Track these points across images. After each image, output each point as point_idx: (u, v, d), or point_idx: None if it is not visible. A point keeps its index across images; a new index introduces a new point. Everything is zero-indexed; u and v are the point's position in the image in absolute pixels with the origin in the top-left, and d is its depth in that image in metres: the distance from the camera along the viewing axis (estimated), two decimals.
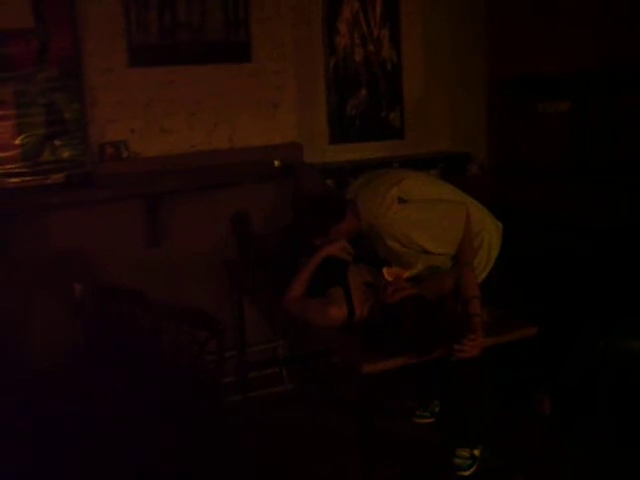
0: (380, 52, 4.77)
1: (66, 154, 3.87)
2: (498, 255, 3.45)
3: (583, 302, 3.84)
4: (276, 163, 4.18)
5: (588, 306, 3.81)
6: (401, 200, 3.27)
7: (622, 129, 4.12)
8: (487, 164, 4.99)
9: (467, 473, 3.40)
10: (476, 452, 3.44)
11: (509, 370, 3.67)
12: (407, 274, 3.18)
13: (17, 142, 3.75)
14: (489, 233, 3.41)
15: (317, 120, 4.62)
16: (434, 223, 3.25)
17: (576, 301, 3.88)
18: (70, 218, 3.88)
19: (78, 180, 3.85)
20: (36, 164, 3.80)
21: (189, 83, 4.16)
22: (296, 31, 4.46)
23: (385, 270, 3.19)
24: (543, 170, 4.58)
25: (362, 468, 3.10)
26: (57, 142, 3.85)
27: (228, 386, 4.06)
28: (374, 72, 4.76)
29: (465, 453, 3.44)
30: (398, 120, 4.86)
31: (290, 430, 3.80)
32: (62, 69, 3.83)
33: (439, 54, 4.93)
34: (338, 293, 3.18)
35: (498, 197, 4.26)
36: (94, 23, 3.91)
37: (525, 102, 4.71)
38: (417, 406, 3.91)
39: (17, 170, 3.76)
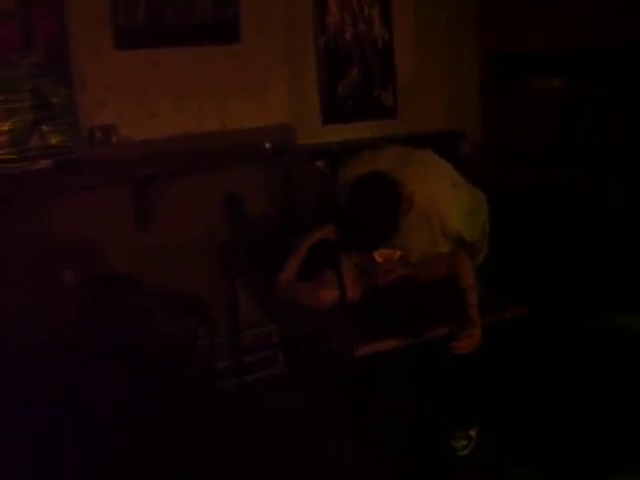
0: (371, 30, 4.71)
1: (54, 140, 3.82)
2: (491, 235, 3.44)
3: (575, 283, 3.82)
4: (267, 145, 4.14)
5: (580, 287, 3.79)
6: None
7: (615, 113, 4.07)
8: (481, 143, 4.95)
9: (463, 453, 3.39)
10: (472, 432, 3.43)
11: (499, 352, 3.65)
12: (398, 255, 3.15)
13: (4, 128, 3.69)
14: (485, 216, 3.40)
15: (309, 101, 4.56)
16: (471, 210, 3.24)
17: (568, 282, 3.86)
18: (60, 204, 3.83)
19: (67, 166, 3.79)
20: (24, 150, 3.74)
21: (177, 65, 4.10)
22: (285, 10, 4.40)
23: (376, 252, 3.17)
24: (537, 151, 4.53)
25: (354, 451, 3.10)
26: (45, 127, 3.80)
27: (223, 370, 4.04)
28: (365, 51, 4.71)
29: (461, 434, 3.43)
30: (391, 99, 4.81)
31: (286, 413, 3.79)
32: (48, 53, 3.76)
33: (431, 31, 4.87)
34: (330, 276, 3.17)
35: (492, 177, 4.22)
36: (79, 5, 3.83)
37: (519, 79, 4.65)
38: None
39: (5, 157, 3.70)
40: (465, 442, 3.39)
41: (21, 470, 2.96)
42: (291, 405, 3.86)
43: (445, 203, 3.22)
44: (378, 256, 3.15)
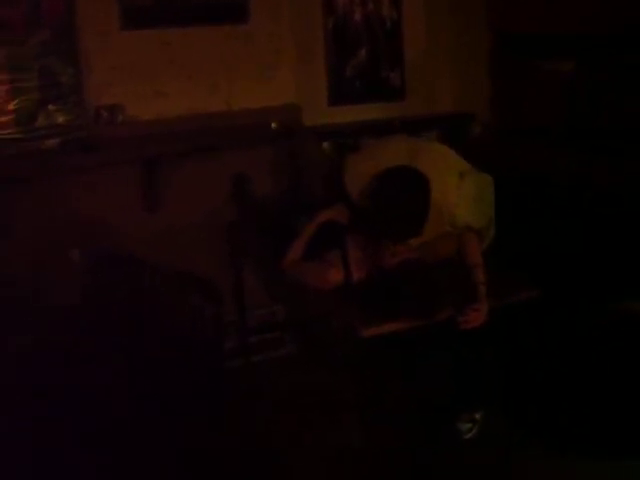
0: (380, 11, 4.67)
1: (61, 119, 3.80)
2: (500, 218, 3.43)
3: (590, 267, 3.80)
4: (273, 125, 4.12)
5: (595, 271, 3.77)
6: None
7: (626, 96, 4.04)
8: (490, 125, 4.92)
9: (468, 436, 3.40)
10: (477, 416, 3.43)
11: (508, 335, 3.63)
12: None
13: (10, 107, 3.68)
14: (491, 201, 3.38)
15: (316, 81, 4.53)
16: (477, 197, 3.24)
17: (582, 265, 3.84)
18: (66, 184, 3.83)
19: (74, 145, 3.78)
20: (31, 130, 3.73)
21: (185, 45, 4.08)
22: None
23: None
24: (546, 132, 4.50)
25: (362, 429, 3.11)
26: (51, 107, 3.78)
27: (229, 351, 4.04)
28: (374, 32, 4.67)
29: (466, 416, 3.43)
30: (399, 80, 4.77)
31: (293, 394, 3.80)
32: (55, 32, 3.75)
33: (441, 12, 4.82)
34: (336, 256, 3.16)
35: (501, 159, 4.19)
36: None
37: (529, 61, 4.62)
38: None
39: (11, 136, 3.69)
40: (470, 425, 3.39)
41: (21, 470, 2.97)
42: (298, 385, 3.87)
43: (453, 195, 3.21)
44: None
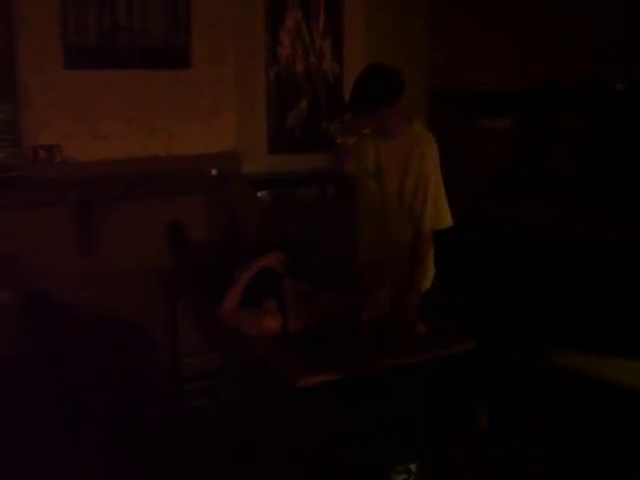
0: (322, 64, 4.75)
1: None
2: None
3: (519, 317, 3.86)
4: (213, 172, 4.13)
5: (524, 321, 3.83)
6: None
7: (557, 147, 4.16)
8: None
9: None
10: (412, 467, 3.42)
11: (446, 384, 3.64)
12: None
13: None
14: None
15: (256, 130, 4.56)
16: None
17: (513, 316, 3.89)
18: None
19: (8, 184, 3.72)
20: None
21: (126, 88, 4.08)
22: (237, 39, 4.41)
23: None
24: (482, 186, 4.59)
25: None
26: None
27: (163, 398, 3.96)
28: (316, 83, 4.73)
29: (401, 467, 3.41)
30: None
31: (225, 441, 3.74)
32: None
33: None
34: (272, 304, 3.14)
35: None
36: (29, 21, 3.80)
37: (466, 116, 4.73)
38: None
39: None
40: (405, 476, 3.37)
41: None
42: (230, 433, 3.81)
43: (433, 142, 3.39)
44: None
